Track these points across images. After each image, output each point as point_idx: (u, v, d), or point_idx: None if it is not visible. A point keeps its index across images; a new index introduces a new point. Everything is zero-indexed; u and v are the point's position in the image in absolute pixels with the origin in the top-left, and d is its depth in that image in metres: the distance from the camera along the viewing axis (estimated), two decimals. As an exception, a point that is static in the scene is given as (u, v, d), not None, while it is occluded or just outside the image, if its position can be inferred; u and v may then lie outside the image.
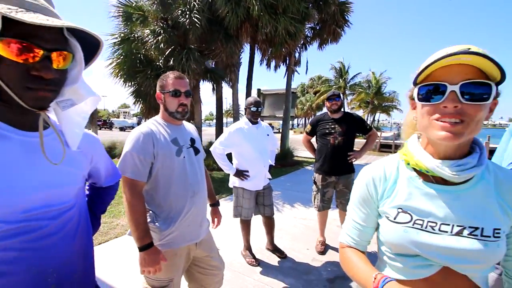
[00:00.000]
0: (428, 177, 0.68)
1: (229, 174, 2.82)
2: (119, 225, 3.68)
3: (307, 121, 32.83)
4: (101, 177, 1.00)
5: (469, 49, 0.56)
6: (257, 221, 3.11)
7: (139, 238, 1.29)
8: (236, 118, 9.13)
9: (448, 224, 0.63)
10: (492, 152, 1.57)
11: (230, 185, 2.84)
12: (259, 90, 15.45)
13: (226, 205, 4.54)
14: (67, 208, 0.76)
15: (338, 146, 2.80)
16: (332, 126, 2.84)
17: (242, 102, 8.66)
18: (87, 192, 1.07)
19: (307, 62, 10.76)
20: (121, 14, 7.50)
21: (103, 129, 36.19)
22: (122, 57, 7.31)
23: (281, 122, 10.96)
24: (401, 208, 0.68)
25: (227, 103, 32.12)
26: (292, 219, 4.03)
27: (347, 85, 27.67)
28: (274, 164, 3.01)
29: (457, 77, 0.56)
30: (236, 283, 2.42)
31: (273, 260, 2.85)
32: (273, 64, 10.05)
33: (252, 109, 2.67)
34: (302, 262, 2.77)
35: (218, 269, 1.66)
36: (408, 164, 0.70)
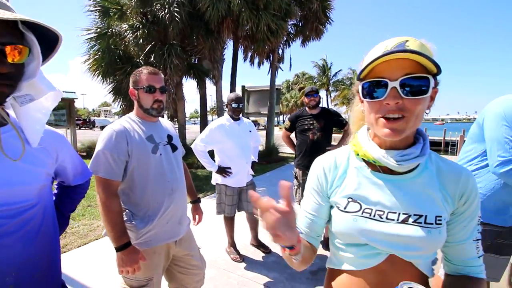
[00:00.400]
0: (376, 167, 0.70)
1: (212, 172, 2.80)
2: (100, 227, 3.57)
3: (292, 117, 33.08)
4: (69, 175, 0.97)
5: (407, 41, 0.59)
6: (241, 218, 3.12)
7: (115, 238, 1.25)
8: (220, 115, 9.06)
9: (395, 212, 0.65)
10: None
11: (213, 182, 2.82)
12: (243, 87, 15.37)
13: (211, 203, 4.50)
14: (27, 207, 0.73)
15: (317, 141, 2.85)
16: (311, 122, 2.89)
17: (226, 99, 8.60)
18: (55, 191, 1.04)
19: (290, 58, 10.84)
20: (98, 8, 7.23)
21: (83, 128, 34.91)
22: (99, 53, 7.05)
23: (266, 118, 10.98)
24: (351, 198, 0.70)
25: (212, 101, 31.79)
26: (276, 214, 4.05)
27: (330, 82, 28.11)
28: (257, 161, 3.01)
29: (396, 72, 0.58)
30: (221, 280, 2.42)
31: (258, 255, 2.86)
32: (256, 60, 10.06)
33: (233, 105, 2.65)
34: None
35: (199, 268, 1.64)
36: (358, 154, 0.73)
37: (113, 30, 7.13)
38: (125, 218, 1.34)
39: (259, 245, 2.99)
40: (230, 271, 2.57)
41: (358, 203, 0.69)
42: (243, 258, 2.76)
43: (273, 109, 10.31)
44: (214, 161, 2.75)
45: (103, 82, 7.57)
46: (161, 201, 1.39)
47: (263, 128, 15.36)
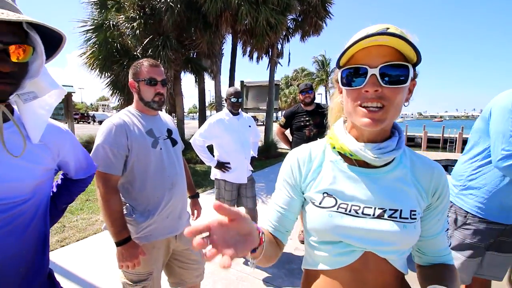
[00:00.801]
0: (352, 161, 0.69)
1: (211, 167, 2.79)
2: (98, 221, 3.56)
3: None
4: (71, 169, 0.96)
5: (388, 29, 0.57)
6: (240, 213, 3.11)
7: (115, 233, 1.25)
8: (219, 110, 9.01)
9: (371, 207, 0.64)
10: (465, 142, 1.64)
11: (212, 177, 2.81)
12: (242, 82, 15.30)
13: (209, 198, 4.51)
14: (19, 202, 0.73)
15: (313, 138, 2.83)
16: (307, 118, 2.87)
17: (225, 94, 8.54)
18: (59, 182, 1.04)
19: (289, 54, 10.75)
20: (95, 1, 7.12)
21: (81, 122, 34.70)
22: (96, 46, 6.96)
23: (265, 114, 10.95)
24: (326, 192, 0.68)
25: (210, 96, 31.65)
26: (275, 209, 4.07)
27: (329, 78, 28.06)
28: (256, 156, 3.00)
29: (376, 59, 0.57)
30: (220, 275, 2.43)
31: (256, 250, 2.87)
32: (255, 55, 9.95)
33: (232, 99, 2.63)
34: (285, 251, 2.81)
35: (198, 263, 1.63)
36: (334, 147, 0.71)
37: (111, 22, 7.03)
38: (125, 212, 1.33)
39: (257, 240, 2.99)
40: (228, 265, 2.57)
41: (334, 198, 0.67)
42: (241, 253, 2.76)
43: (272, 104, 10.27)
44: (213, 156, 2.74)
45: (100, 75, 7.49)
46: (161, 196, 1.38)
47: (262, 123, 15.35)
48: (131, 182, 1.35)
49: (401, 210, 0.63)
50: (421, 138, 16.79)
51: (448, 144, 19.87)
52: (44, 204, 0.83)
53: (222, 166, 2.66)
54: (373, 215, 0.64)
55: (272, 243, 0.71)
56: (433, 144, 20.29)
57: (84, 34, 7.02)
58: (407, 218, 0.63)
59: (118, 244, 1.25)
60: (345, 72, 0.61)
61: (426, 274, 0.71)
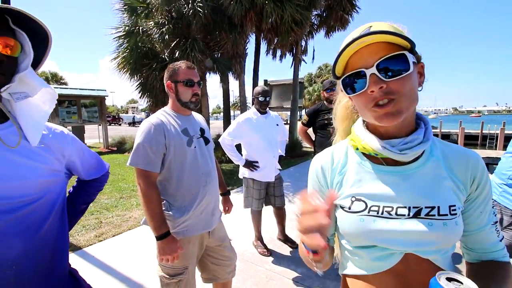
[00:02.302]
0: (378, 160, 0.65)
1: (238, 166, 2.80)
2: (132, 218, 3.73)
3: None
4: (79, 170, 0.98)
5: (370, 27, 0.57)
6: (268, 212, 3.10)
7: (156, 227, 1.30)
8: (243, 110, 9.07)
9: (405, 207, 0.60)
10: (508, 138, 1.51)
11: (240, 176, 2.82)
12: (265, 81, 15.28)
13: (236, 197, 4.54)
14: (28, 202, 0.74)
15: None
16: (331, 116, 2.77)
17: (249, 94, 8.56)
18: (75, 185, 1.07)
19: (313, 50, 10.53)
20: (126, 8, 7.47)
21: (113, 124, 36.72)
22: (127, 50, 7.30)
23: (289, 113, 10.84)
24: (354, 197, 0.65)
25: (233, 96, 32.03)
26: (302, 209, 4.00)
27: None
28: (284, 155, 2.97)
29: (370, 59, 0.56)
30: (249, 273, 2.43)
31: (285, 250, 2.84)
32: (279, 53, 9.89)
33: (260, 98, 2.62)
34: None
35: (230, 259, 1.66)
36: (357, 149, 0.68)
37: (140, 27, 7.34)
38: (162, 208, 1.37)
39: (286, 239, 2.97)
40: (257, 264, 2.57)
41: (363, 201, 0.63)
42: (270, 252, 2.75)
43: (296, 103, 10.13)
44: (242, 155, 2.75)
45: (130, 79, 7.85)
46: (196, 193, 1.42)
47: (286, 122, 15.24)
48: (168, 179, 1.40)
49: (438, 207, 0.59)
50: (457, 135, 15.68)
51: (488, 141, 18.36)
52: (58, 205, 0.85)
53: (250, 165, 2.66)
54: (408, 215, 0.60)
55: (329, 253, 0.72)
56: (471, 141, 18.84)
57: (117, 40, 7.39)
58: (446, 215, 0.58)
59: (158, 238, 1.30)
60: (345, 81, 0.60)
61: (474, 271, 0.66)
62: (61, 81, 32.55)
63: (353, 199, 0.65)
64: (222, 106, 10.04)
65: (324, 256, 0.58)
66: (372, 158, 0.66)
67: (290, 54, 9.82)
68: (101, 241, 3.08)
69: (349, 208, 0.65)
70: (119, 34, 7.31)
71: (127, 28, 7.35)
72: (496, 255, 0.65)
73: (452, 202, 0.60)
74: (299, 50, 9.53)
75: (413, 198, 0.61)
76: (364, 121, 0.69)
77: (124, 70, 7.57)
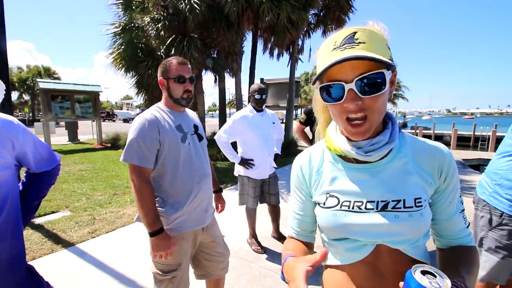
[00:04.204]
0: (350, 159, 0.69)
1: (233, 164, 2.80)
2: (126, 215, 3.71)
3: (310, 110, 32.75)
4: (31, 162, 0.94)
5: (355, 33, 0.58)
6: (262, 209, 3.12)
7: (149, 224, 1.29)
8: (239, 108, 9.05)
9: (373, 201, 0.65)
10: (499, 140, 1.55)
11: (235, 173, 2.83)
12: (262, 79, 15.28)
13: (231, 194, 4.55)
14: None
15: None
16: None
17: (245, 92, 8.54)
18: (24, 180, 1.03)
19: (310, 50, 10.54)
20: (121, 1, 7.38)
21: (107, 120, 36.36)
22: (122, 46, 7.22)
23: (284, 111, 10.86)
24: (328, 193, 0.70)
25: (229, 94, 31.92)
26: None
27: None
28: (280, 153, 2.97)
29: (350, 73, 0.57)
30: (243, 270, 2.44)
31: (279, 247, 2.86)
32: (276, 52, 9.89)
33: (256, 96, 2.62)
34: (308, 249, 2.77)
35: (224, 255, 1.67)
36: (330, 150, 0.72)
37: (135, 23, 7.27)
38: (156, 205, 1.37)
39: (280, 237, 2.98)
40: (252, 261, 2.58)
41: (336, 197, 0.68)
42: (264, 250, 2.77)
43: (292, 102, 10.17)
44: (237, 153, 2.75)
45: (126, 75, 7.78)
46: (190, 189, 1.42)
47: (282, 121, 15.28)
48: (162, 175, 1.39)
49: (404, 200, 0.63)
50: (450, 136, 15.88)
51: (480, 142, 18.66)
52: (12, 200, 0.82)
53: (245, 162, 2.67)
54: (377, 208, 0.64)
55: (299, 245, 0.78)
56: (463, 142, 19.11)
57: (111, 35, 7.30)
58: (411, 207, 0.62)
59: (152, 234, 1.29)
60: (324, 89, 0.61)
61: (444, 256, 0.70)
62: (54, 75, 31.93)
63: (327, 195, 0.70)
64: (218, 104, 10.00)
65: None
66: (345, 157, 0.70)
67: (287, 53, 9.83)
68: (94, 237, 3.06)
69: (324, 204, 0.70)
70: (114, 30, 7.22)
71: (121, 23, 7.26)
72: (463, 240, 0.70)
73: (417, 195, 0.63)
74: (295, 49, 9.54)
75: (381, 193, 0.65)
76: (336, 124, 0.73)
77: (119, 66, 7.50)
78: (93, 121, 11.27)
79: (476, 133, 20.08)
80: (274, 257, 2.66)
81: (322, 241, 0.77)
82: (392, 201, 0.63)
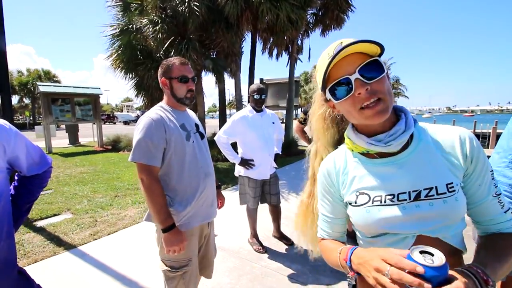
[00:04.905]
0: (373, 155, 0.71)
1: (234, 164, 2.81)
2: (127, 216, 3.72)
3: (310, 110, 32.73)
4: (22, 165, 0.94)
5: (341, 42, 0.64)
6: (263, 209, 3.12)
7: (162, 220, 1.32)
8: (239, 108, 9.05)
9: (405, 192, 0.65)
10: (499, 137, 1.56)
11: (236, 174, 2.83)
12: (261, 79, 15.29)
13: (231, 195, 4.55)
14: None
15: None
16: None
17: (245, 92, 8.55)
18: (16, 184, 1.02)
19: (309, 49, 10.54)
20: (119, 3, 7.39)
21: (108, 123, 36.39)
22: (121, 49, 7.24)
23: (284, 111, 10.87)
24: (358, 191, 0.71)
25: (229, 94, 31.90)
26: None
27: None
28: (280, 153, 2.97)
29: (350, 68, 0.62)
30: (244, 269, 2.45)
31: (280, 247, 2.86)
32: (275, 52, 9.88)
33: (255, 96, 2.63)
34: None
35: (211, 255, 1.70)
36: (353, 150, 0.74)
37: (134, 25, 7.28)
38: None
39: (281, 237, 2.99)
40: (253, 261, 2.59)
41: (366, 194, 0.69)
42: (265, 249, 2.77)
43: (292, 101, 10.16)
44: (237, 153, 2.75)
45: (125, 77, 7.80)
46: (196, 185, 1.46)
47: (282, 121, 15.28)
48: (169, 174, 1.42)
49: (436, 187, 0.63)
50: (451, 134, 15.89)
51: (480, 139, 18.68)
52: (3, 203, 0.82)
53: (245, 163, 2.67)
54: (409, 199, 0.64)
55: (338, 243, 0.79)
56: (463, 140, 19.13)
57: (110, 38, 7.32)
58: (444, 193, 0.62)
59: (164, 230, 1.32)
60: (332, 89, 0.66)
61: (482, 244, 0.68)
62: (54, 78, 31.97)
63: (357, 193, 0.71)
64: (218, 105, 10.01)
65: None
66: (367, 154, 0.72)
67: (286, 53, 9.82)
68: (96, 239, 3.07)
69: (355, 203, 0.71)
70: (112, 32, 7.24)
71: (120, 25, 7.28)
72: (502, 226, 0.67)
73: (449, 180, 0.63)
74: (294, 49, 9.54)
75: (411, 183, 0.65)
76: (352, 125, 0.75)
77: (118, 69, 7.52)
78: (94, 123, 11.29)
79: (476, 130, 20.08)
80: (276, 256, 2.67)
81: (358, 240, 0.78)
82: (424, 189, 0.63)
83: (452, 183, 0.63)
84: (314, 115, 0.87)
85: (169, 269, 1.42)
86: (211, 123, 19.06)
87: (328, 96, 0.68)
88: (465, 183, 0.67)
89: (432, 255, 0.48)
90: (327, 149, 0.92)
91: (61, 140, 13.02)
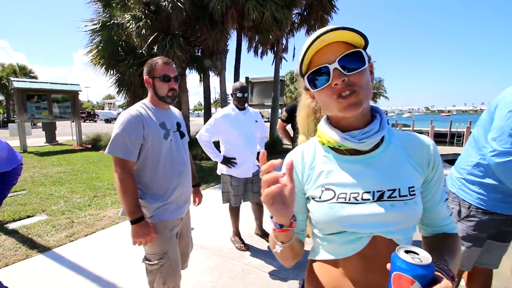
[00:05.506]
0: (343, 151, 0.71)
1: (217, 162, 2.79)
2: (106, 217, 3.61)
3: (296, 109, 33.14)
4: None
5: (327, 30, 0.62)
6: (246, 207, 3.12)
7: (130, 212, 1.37)
8: (224, 106, 9.00)
9: (369, 192, 0.66)
10: None
11: (218, 172, 2.82)
12: (247, 78, 15.25)
13: (215, 193, 4.53)
14: None
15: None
16: None
17: (230, 90, 8.52)
18: None
19: (294, 49, 10.63)
20: (100, -1, 7.16)
21: (88, 121, 35.15)
22: (102, 44, 7.00)
23: (270, 110, 10.91)
24: (323, 187, 0.70)
25: (215, 93, 31.65)
26: (281, 205, 4.06)
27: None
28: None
29: (331, 56, 0.62)
30: (226, 268, 2.44)
31: (262, 244, 2.88)
32: (260, 51, 9.89)
33: (238, 94, 2.62)
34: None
35: (187, 246, 1.74)
36: (323, 144, 0.74)
37: (116, 20, 7.06)
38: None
39: (263, 234, 3.00)
40: (235, 259, 2.59)
41: (332, 190, 0.69)
42: (247, 247, 2.78)
43: (277, 100, 10.22)
44: (220, 152, 2.74)
45: (106, 74, 7.55)
46: (170, 182, 1.51)
47: (267, 120, 15.33)
48: (143, 169, 1.46)
49: (399, 189, 0.64)
50: (428, 133, 16.54)
51: (455, 138, 19.57)
52: None
53: (228, 161, 2.66)
54: (373, 198, 0.65)
55: (298, 240, 0.76)
56: (440, 138, 19.99)
57: (90, 33, 7.06)
58: (406, 196, 0.64)
59: (132, 222, 1.37)
60: (310, 77, 0.65)
61: (429, 244, 0.73)
62: (30, 74, 30.39)
63: (323, 189, 0.70)
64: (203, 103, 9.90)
65: (291, 236, 0.64)
66: (337, 150, 0.71)
67: (271, 52, 9.85)
68: (72, 241, 2.96)
69: (320, 198, 0.69)
70: (92, 27, 6.98)
71: (101, 20, 7.03)
72: (446, 228, 0.73)
73: (411, 184, 0.65)
74: (280, 48, 9.59)
75: (376, 183, 0.66)
76: (327, 118, 0.75)
77: (99, 65, 7.27)
78: (72, 121, 10.85)
79: (452, 130, 21.05)
80: (258, 254, 2.68)
81: (314, 237, 0.77)
82: (388, 190, 0.65)
83: (413, 186, 0.65)
84: (301, 107, 0.87)
85: (147, 262, 1.48)
86: (197, 121, 18.84)
87: (307, 84, 0.67)
88: (424, 189, 0.71)
89: (418, 254, 0.49)
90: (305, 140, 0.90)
91: (37, 139, 12.43)
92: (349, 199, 0.66)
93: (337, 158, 0.71)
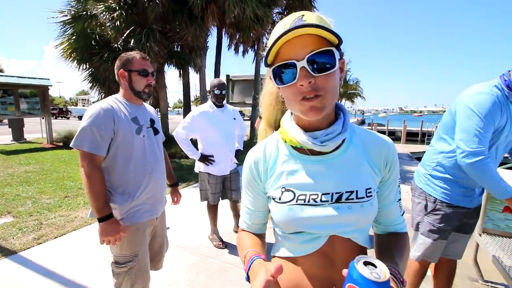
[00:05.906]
0: (305, 151, 0.69)
1: (195, 160, 2.76)
2: (78, 218, 3.46)
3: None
4: None
5: (303, 16, 0.57)
6: (224, 205, 3.12)
7: (98, 209, 1.30)
8: (204, 104, 8.90)
9: (328, 193, 0.65)
10: None
11: (196, 170, 2.79)
12: (228, 76, 15.15)
13: (194, 192, 4.47)
14: None
15: None
16: None
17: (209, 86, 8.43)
18: None
19: (275, 47, 10.72)
20: (72, -12, 6.80)
21: (60, 118, 33.33)
22: (74, 37, 6.66)
23: (251, 109, 10.92)
24: (284, 187, 0.69)
25: (196, 90, 31.12)
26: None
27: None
28: (242, 149, 2.98)
29: (301, 51, 0.56)
30: (203, 266, 2.43)
31: (241, 242, 2.89)
32: (241, 49, 9.89)
33: (215, 91, 2.60)
34: (268, 242, 2.84)
35: (161, 246, 1.69)
36: (286, 142, 0.71)
37: (89, 12, 6.73)
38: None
39: (242, 232, 3.01)
40: (212, 257, 2.58)
41: (292, 191, 0.68)
42: (225, 245, 2.78)
43: (258, 99, 10.25)
44: (197, 149, 2.71)
45: (78, 68, 7.20)
46: (141, 180, 1.45)
47: (248, 118, 15.31)
48: (113, 165, 1.39)
49: (356, 191, 0.65)
50: (401, 132, 17.33)
51: (426, 137, 20.65)
52: None
53: (205, 159, 2.64)
54: (331, 200, 0.65)
55: (262, 244, 0.77)
56: (412, 137, 21.00)
57: (61, 25, 6.69)
58: (363, 198, 0.65)
59: (100, 220, 1.30)
60: (275, 70, 0.60)
61: (381, 241, 0.75)
62: (-6, 67, 28.31)
63: (283, 189, 0.69)
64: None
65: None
66: (300, 149, 0.70)
67: (252, 50, 9.88)
68: (40, 243, 2.81)
69: (280, 199, 0.69)
70: (64, 19, 6.62)
71: (73, 12, 6.68)
72: (397, 227, 0.75)
73: (368, 185, 0.66)
74: (260, 46, 9.62)
75: (335, 185, 0.66)
76: (291, 113, 0.72)
77: (71, 59, 6.92)
78: (42, 118, 10.23)
79: (423, 129, 22.18)
80: (235, 251, 2.68)
81: (275, 234, 0.78)
82: (346, 192, 0.65)
83: (370, 188, 0.66)
84: (265, 92, 0.82)
85: (114, 264, 1.41)
86: (177, 119, 18.43)
87: (271, 75, 0.62)
88: (380, 188, 0.72)
89: (375, 266, 0.49)
90: (267, 129, 0.87)
91: (3, 136, 11.60)
92: (308, 201, 0.66)
93: (299, 158, 0.70)
